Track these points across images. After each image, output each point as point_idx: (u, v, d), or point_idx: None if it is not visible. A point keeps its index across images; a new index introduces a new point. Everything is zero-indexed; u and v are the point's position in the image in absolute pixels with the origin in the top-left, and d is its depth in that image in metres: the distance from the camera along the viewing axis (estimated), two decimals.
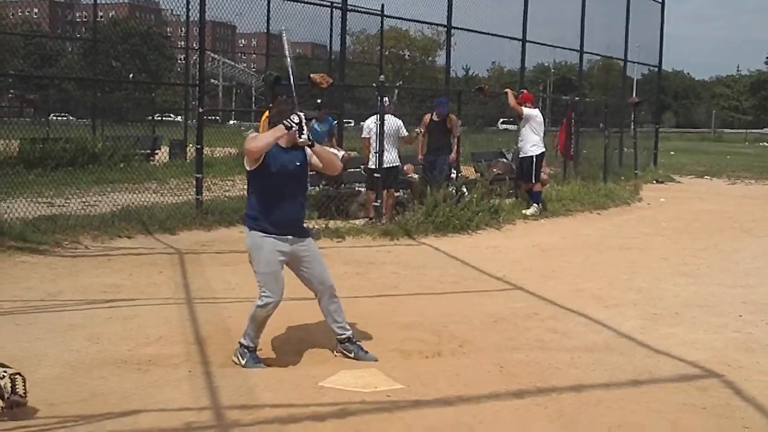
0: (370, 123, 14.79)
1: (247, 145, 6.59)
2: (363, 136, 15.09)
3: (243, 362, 6.79)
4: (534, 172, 16.69)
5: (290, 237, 6.80)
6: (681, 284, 10.55)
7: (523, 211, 16.28)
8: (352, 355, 7.06)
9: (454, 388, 6.05)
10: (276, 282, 6.72)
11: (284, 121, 6.57)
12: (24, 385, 5.22)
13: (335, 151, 15.29)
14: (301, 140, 6.56)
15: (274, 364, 6.97)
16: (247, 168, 6.80)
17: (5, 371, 5.22)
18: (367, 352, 7.10)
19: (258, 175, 6.74)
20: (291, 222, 6.85)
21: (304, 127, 6.50)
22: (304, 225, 7.23)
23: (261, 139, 6.69)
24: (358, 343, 7.15)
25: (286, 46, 7.61)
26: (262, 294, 6.70)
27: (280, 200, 6.73)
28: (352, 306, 8.14)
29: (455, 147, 16.44)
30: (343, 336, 7.10)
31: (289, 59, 7.55)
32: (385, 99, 15.41)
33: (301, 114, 6.57)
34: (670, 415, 5.71)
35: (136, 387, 5.92)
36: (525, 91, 18.33)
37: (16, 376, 5.21)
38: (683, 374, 6.67)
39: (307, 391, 5.90)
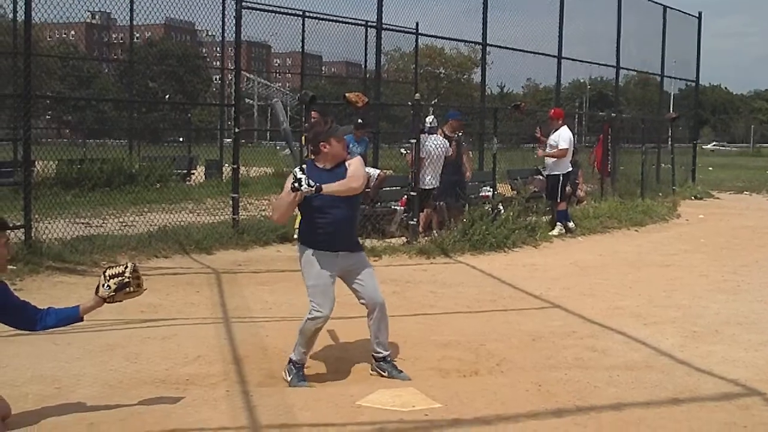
0: (426, 143, 14.68)
1: (272, 217, 6.73)
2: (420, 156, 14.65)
3: (289, 379, 6.83)
4: (559, 191, 16.49)
5: (341, 252, 6.83)
6: (721, 301, 10.43)
7: (550, 233, 16.04)
8: (385, 374, 7.04)
9: (492, 407, 6.00)
10: (324, 295, 6.71)
11: (289, 187, 6.61)
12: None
13: (369, 170, 15.27)
14: (306, 191, 6.56)
15: (312, 382, 6.96)
16: None
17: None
18: (401, 371, 7.07)
19: (305, 203, 6.76)
20: (342, 238, 6.86)
21: (303, 180, 6.51)
22: (357, 239, 7.25)
23: (278, 207, 6.84)
24: (393, 362, 7.14)
25: (279, 115, 7.67)
26: (313, 308, 6.71)
27: (330, 220, 6.73)
28: (390, 325, 8.12)
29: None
30: (380, 355, 7.08)
31: (284, 125, 7.63)
32: (431, 118, 15.30)
33: (296, 169, 6.63)
34: None
35: (175, 406, 5.93)
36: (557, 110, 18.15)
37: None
38: (724, 392, 6.57)
39: (344, 410, 5.88)
